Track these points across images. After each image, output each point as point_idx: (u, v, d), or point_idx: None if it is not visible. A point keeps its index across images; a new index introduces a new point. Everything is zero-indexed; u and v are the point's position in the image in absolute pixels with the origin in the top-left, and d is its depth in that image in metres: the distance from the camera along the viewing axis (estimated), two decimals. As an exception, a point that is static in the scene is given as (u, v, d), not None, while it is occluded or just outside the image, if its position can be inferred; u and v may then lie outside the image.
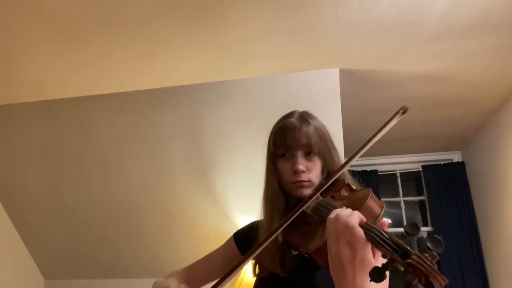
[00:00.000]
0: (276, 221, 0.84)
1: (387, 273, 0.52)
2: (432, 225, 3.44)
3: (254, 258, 0.87)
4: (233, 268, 0.69)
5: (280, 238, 0.80)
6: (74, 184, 2.82)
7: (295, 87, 2.41)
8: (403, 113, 0.80)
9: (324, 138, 0.91)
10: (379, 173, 3.69)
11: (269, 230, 0.81)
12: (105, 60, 2.25)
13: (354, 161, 0.80)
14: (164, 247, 2.81)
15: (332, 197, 0.80)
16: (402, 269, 0.50)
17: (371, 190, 0.73)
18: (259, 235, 0.89)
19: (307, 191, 0.86)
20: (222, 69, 2.35)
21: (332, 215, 0.61)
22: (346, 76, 2.37)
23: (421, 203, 3.76)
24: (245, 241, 0.98)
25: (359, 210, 0.63)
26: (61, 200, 2.87)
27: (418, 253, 0.49)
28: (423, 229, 3.59)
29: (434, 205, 3.46)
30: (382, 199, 3.76)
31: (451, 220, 3.35)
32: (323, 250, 0.64)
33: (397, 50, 2.15)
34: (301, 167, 0.84)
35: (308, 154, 0.88)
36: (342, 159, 0.93)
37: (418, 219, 3.85)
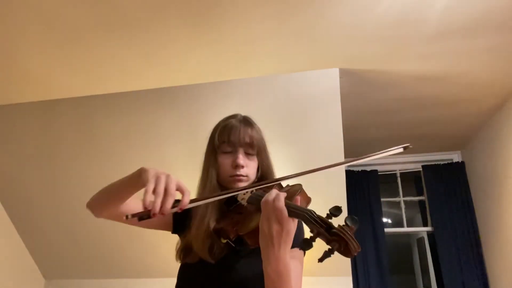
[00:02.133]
0: (210, 209, 0.92)
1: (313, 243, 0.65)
2: (432, 225, 3.44)
3: (183, 242, 0.96)
4: (200, 199, 0.80)
5: (212, 227, 0.89)
6: (74, 184, 2.82)
7: (295, 87, 2.41)
8: (405, 148, 0.89)
9: (263, 142, 1.01)
10: (379, 173, 3.69)
11: (203, 216, 0.91)
12: (106, 60, 2.25)
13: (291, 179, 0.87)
14: (164, 247, 2.81)
15: (265, 191, 0.88)
16: (325, 240, 0.63)
17: (301, 185, 0.85)
18: (191, 220, 0.95)
19: (243, 185, 0.95)
20: (222, 69, 2.35)
21: (263, 199, 0.73)
22: (346, 76, 2.37)
23: (421, 203, 3.76)
24: (183, 213, 0.96)
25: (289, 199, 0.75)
26: (61, 200, 2.87)
27: (340, 225, 0.62)
28: (423, 229, 3.60)
29: (434, 205, 3.47)
30: (382, 199, 3.74)
31: (451, 220, 3.35)
32: (254, 232, 0.76)
33: (397, 50, 2.15)
34: (241, 161, 0.94)
35: (247, 153, 0.97)
36: (272, 162, 1.03)
37: (418, 219, 3.86)
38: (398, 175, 3.79)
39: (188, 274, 0.94)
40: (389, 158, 3.77)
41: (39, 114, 2.72)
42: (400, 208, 3.70)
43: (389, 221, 4.07)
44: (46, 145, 2.78)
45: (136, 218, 0.70)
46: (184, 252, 0.96)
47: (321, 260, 0.61)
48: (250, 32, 2.01)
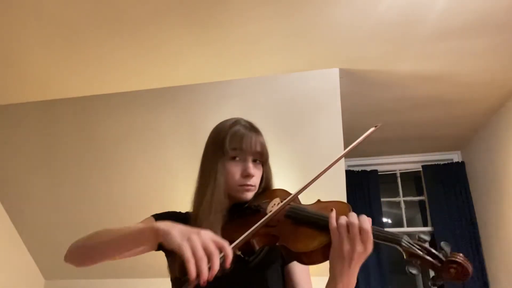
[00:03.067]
0: (216, 222, 0.85)
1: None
2: (432, 225, 3.44)
3: (175, 255, 0.86)
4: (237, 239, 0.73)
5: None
6: (74, 184, 2.82)
7: (295, 87, 2.41)
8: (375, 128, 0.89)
9: (267, 151, 0.97)
10: (379, 173, 3.69)
11: (211, 225, 0.82)
12: (106, 60, 2.25)
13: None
14: (164, 247, 2.81)
15: (295, 202, 0.87)
16: (434, 271, 0.65)
17: (349, 205, 0.84)
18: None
19: (250, 195, 0.92)
20: (222, 69, 2.35)
21: (342, 221, 0.73)
22: (346, 76, 2.37)
23: (421, 203, 3.76)
24: None
25: (345, 214, 0.75)
26: (61, 199, 2.87)
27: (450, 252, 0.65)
28: (423, 229, 3.59)
29: (434, 205, 3.46)
30: (382, 199, 3.73)
31: (451, 220, 3.35)
32: (316, 252, 0.74)
33: (397, 50, 2.15)
34: (253, 171, 0.91)
35: (255, 161, 0.94)
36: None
37: (418, 219, 3.86)
38: (398, 175, 3.78)
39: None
40: (389, 158, 3.77)
41: (39, 114, 2.72)
42: (400, 208, 3.70)
43: (389, 221, 4.07)
44: (46, 144, 2.78)
45: None
46: (182, 266, 0.90)
47: (434, 285, 0.65)
48: (250, 32, 2.01)
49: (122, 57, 2.22)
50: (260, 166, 0.96)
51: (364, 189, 3.58)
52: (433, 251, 0.66)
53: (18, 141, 2.79)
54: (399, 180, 3.78)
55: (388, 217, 4.06)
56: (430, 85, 2.49)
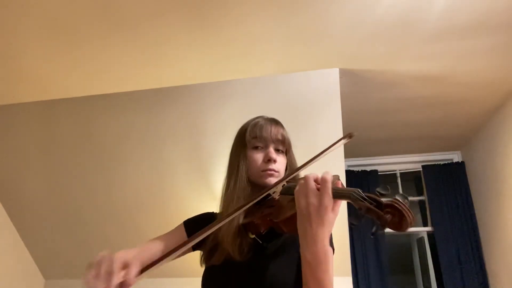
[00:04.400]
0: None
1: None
2: (432, 225, 3.44)
3: (207, 249, 0.93)
4: (153, 262, 0.71)
5: (241, 221, 0.88)
6: (74, 184, 2.82)
7: (295, 87, 2.41)
8: (350, 137, 0.88)
9: (289, 141, 1.02)
10: (379, 173, 3.69)
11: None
12: (106, 60, 2.25)
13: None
14: (164, 247, 2.81)
15: (295, 182, 0.88)
16: (376, 215, 0.61)
17: (339, 176, 0.81)
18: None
19: (274, 180, 0.94)
20: (222, 69, 2.35)
21: (305, 176, 0.72)
22: (346, 76, 2.37)
23: (421, 203, 3.76)
24: (197, 229, 0.97)
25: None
26: (61, 199, 2.87)
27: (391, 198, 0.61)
28: (423, 229, 3.59)
29: (434, 205, 3.46)
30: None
31: (451, 220, 3.35)
32: (291, 219, 0.75)
33: (397, 50, 2.15)
34: (274, 155, 0.94)
35: (277, 150, 0.98)
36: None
37: (418, 219, 3.85)
38: (398, 175, 3.78)
39: (214, 275, 0.92)
40: (389, 158, 3.77)
41: (39, 114, 2.72)
42: (400, 208, 3.70)
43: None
44: (46, 145, 2.78)
45: None
46: (209, 254, 0.93)
47: (373, 234, 0.60)
48: (250, 32, 2.01)
49: (122, 57, 2.22)
50: (283, 155, 0.99)
51: (364, 189, 3.56)
52: (375, 197, 0.63)
53: (18, 141, 2.79)
54: (399, 180, 3.78)
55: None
56: (430, 85, 2.49)
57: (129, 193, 2.76)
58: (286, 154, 1.00)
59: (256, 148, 0.97)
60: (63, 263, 3.08)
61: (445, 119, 3.00)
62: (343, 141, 0.88)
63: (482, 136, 3.20)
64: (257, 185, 0.95)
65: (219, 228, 0.88)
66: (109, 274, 0.64)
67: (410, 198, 3.75)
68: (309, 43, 2.10)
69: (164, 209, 2.73)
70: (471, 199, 3.38)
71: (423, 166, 3.65)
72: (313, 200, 0.69)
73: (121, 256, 0.69)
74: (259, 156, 0.95)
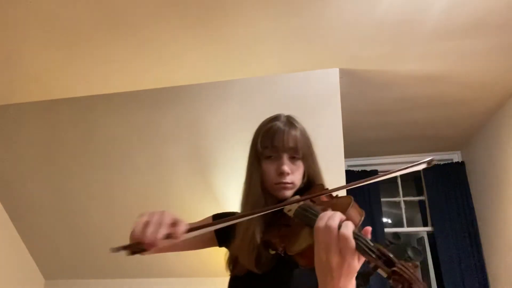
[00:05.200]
0: (255, 218, 0.85)
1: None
2: (432, 225, 3.44)
3: (231, 253, 0.92)
4: (201, 226, 0.73)
5: (258, 239, 0.84)
6: (74, 184, 2.82)
7: (295, 87, 2.41)
8: (429, 163, 0.83)
9: (308, 143, 0.94)
10: (379, 173, 3.69)
11: (248, 226, 0.85)
12: (105, 60, 2.25)
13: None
14: (164, 247, 2.81)
15: (312, 201, 0.82)
16: (385, 275, 0.56)
17: (352, 198, 0.74)
18: (236, 230, 0.90)
19: (289, 193, 0.89)
20: (222, 69, 2.35)
21: (322, 223, 0.63)
22: (346, 76, 2.37)
23: (421, 203, 3.76)
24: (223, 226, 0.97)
25: (343, 211, 0.67)
26: (61, 199, 2.87)
27: (402, 262, 0.55)
28: (423, 229, 3.59)
29: (434, 205, 3.47)
30: (382, 199, 3.74)
31: (451, 220, 3.35)
32: (305, 253, 0.68)
33: (397, 50, 2.15)
34: (286, 168, 0.87)
35: (292, 158, 0.91)
36: (320, 167, 0.97)
37: (418, 219, 3.86)
38: (398, 175, 3.78)
39: (239, 287, 0.91)
40: (389, 158, 3.77)
41: (39, 114, 2.72)
42: (400, 208, 3.70)
43: (389, 221, 4.07)
44: (46, 144, 2.78)
45: (128, 252, 0.65)
46: (232, 264, 0.93)
47: None
48: (250, 32, 2.01)
49: (122, 57, 2.22)
50: (299, 162, 0.92)
51: (364, 189, 3.58)
52: (388, 253, 0.57)
53: (18, 141, 2.79)
54: (399, 180, 3.78)
55: (388, 217, 4.06)
56: (430, 85, 2.49)
57: (129, 192, 2.76)
58: (303, 161, 0.93)
59: (269, 157, 0.91)
60: (63, 263, 3.08)
61: (445, 119, 3.00)
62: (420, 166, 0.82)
63: (482, 136, 3.20)
64: (274, 197, 0.91)
65: (234, 243, 0.87)
66: (160, 224, 0.67)
67: (410, 198, 3.77)
68: (309, 43, 2.10)
69: (164, 208, 2.71)
70: (471, 199, 3.38)
71: (423, 166, 3.64)
72: (335, 257, 0.60)
73: (172, 214, 0.71)
74: (271, 168, 0.89)
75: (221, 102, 2.48)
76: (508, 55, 2.17)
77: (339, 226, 0.61)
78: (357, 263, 0.61)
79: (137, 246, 0.64)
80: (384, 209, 3.65)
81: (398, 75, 2.38)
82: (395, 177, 3.78)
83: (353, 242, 0.59)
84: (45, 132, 2.76)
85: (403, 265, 0.55)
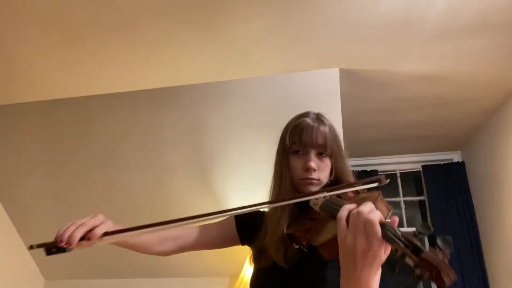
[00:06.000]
0: (286, 212, 0.86)
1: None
2: (432, 225, 3.44)
3: (255, 248, 0.93)
4: (124, 230, 0.83)
5: (285, 231, 0.85)
6: (74, 184, 2.82)
7: (295, 87, 2.41)
8: (380, 183, 0.81)
9: (337, 141, 0.96)
10: (379, 173, 3.69)
11: (279, 220, 0.86)
12: (105, 60, 2.25)
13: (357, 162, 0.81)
14: (164, 247, 2.81)
15: (339, 197, 0.82)
16: (412, 264, 0.54)
17: (380, 192, 0.74)
18: (265, 224, 0.91)
19: (314, 189, 0.89)
20: (222, 69, 2.35)
21: (353, 209, 0.62)
22: (346, 76, 2.37)
23: (421, 203, 3.76)
24: (245, 224, 0.97)
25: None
26: (61, 199, 2.87)
27: (431, 248, 0.54)
28: (423, 229, 3.59)
29: (434, 205, 3.46)
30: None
31: (451, 220, 3.35)
32: (330, 244, 0.68)
33: (397, 50, 2.15)
34: (313, 164, 0.89)
35: (320, 154, 0.92)
36: (348, 165, 0.97)
37: (418, 219, 3.86)
38: (398, 175, 3.78)
39: (262, 279, 0.92)
40: (389, 158, 3.77)
41: (39, 114, 2.72)
42: (400, 208, 3.70)
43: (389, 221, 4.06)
44: (46, 145, 2.78)
45: (44, 250, 0.73)
46: (257, 257, 0.94)
47: (410, 287, 0.55)
48: (250, 32, 2.01)
49: (122, 57, 2.22)
50: (326, 159, 0.93)
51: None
52: (416, 242, 0.56)
53: (18, 141, 2.79)
54: (399, 180, 3.78)
55: (388, 217, 4.06)
56: (430, 85, 2.49)
57: (129, 192, 2.76)
58: (331, 158, 0.93)
59: (296, 152, 0.92)
60: (63, 263, 3.07)
61: (445, 119, 3.00)
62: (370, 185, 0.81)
63: (482, 136, 3.20)
64: (299, 192, 0.92)
65: (265, 234, 0.88)
66: (81, 226, 0.76)
67: (410, 198, 3.77)
68: (309, 43, 2.10)
69: (165, 209, 2.72)
70: (471, 199, 3.38)
71: (423, 166, 3.65)
72: (361, 241, 0.58)
73: (104, 218, 0.81)
74: (298, 163, 0.91)
75: (222, 102, 2.48)
76: (508, 55, 2.17)
77: (368, 212, 0.61)
78: (382, 254, 0.58)
79: (52, 244, 0.70)
80: (384, 209, 3.65)
81: (398, 75, 2.38)
82: (395, 177, 3.78)
83: (379, 230, 0.58)
84: (45, 132, 2.76)
85: (432, 252, 0.53)
